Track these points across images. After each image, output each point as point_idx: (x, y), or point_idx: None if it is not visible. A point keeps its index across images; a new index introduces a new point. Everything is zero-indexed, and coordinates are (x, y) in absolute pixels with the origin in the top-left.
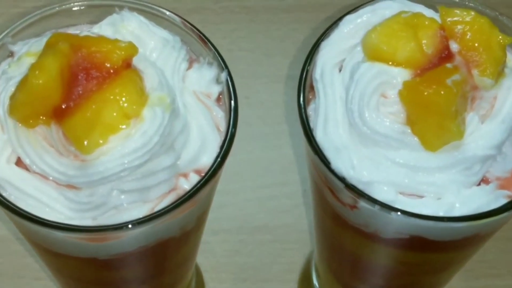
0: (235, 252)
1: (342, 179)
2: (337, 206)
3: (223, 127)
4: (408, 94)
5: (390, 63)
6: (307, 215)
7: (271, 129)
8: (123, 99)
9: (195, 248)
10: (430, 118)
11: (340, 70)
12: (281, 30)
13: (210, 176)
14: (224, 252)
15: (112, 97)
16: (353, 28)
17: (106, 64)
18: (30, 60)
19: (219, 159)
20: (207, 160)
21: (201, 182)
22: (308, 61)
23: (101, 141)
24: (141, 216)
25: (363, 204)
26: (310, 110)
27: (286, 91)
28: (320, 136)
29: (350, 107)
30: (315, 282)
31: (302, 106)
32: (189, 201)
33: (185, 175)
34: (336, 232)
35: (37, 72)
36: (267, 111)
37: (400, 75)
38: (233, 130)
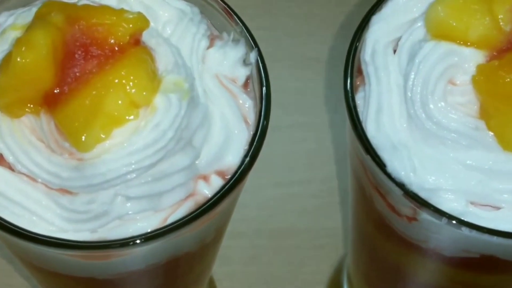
0: (252, 259)
1: (400, 185)
2: (389, 216)
3: (251, 119)
4: (483, 80)
5: (460, 42)
6: (335, 218)
7: (294, 119)
8: (131, 83)
9: (211, 262)
10: (511, 111)
11: (394, 51)
12: (304, 7)
13: (237, 179)
14: (239, 259)
15: (117, 81)
16: None
17: (109, 40)
18: (16, 34)
19: (248, 159)
20: (232, 159)
21: (226, 187)
22: (356, 39)
23: (102, 136)
24: (151, 229)
25: (425, 216)
26: (358, 99)
27: (311, 76)
28: (372, 131)
29: (410, 96)
30: None
31: (350, 93)
32: (210, 211)
33: (205, 178)
34: (380, 243)
35: (23, 49)
36: (290, 99)
37: (472, 57)
38: (265, 122)
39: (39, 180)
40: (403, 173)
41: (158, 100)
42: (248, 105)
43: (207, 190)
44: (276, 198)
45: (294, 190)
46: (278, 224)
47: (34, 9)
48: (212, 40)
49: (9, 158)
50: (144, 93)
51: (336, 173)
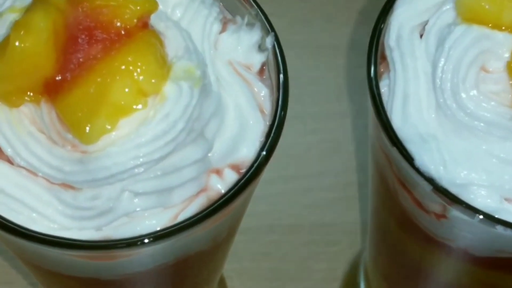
0: (265, 255)
1: (429, 180)
2: (414, 212)
3: (267, 108)
4: None
5: (493, 26)
6: (350, 212)
7: (307, 109)
8: (138, 70)
9: (223, 261)
10: None
11: (421, 36)
12: None
13: (252, 174)
14: (251, 255)
15: (123, 67)
16: None
17: (115, 23)
18: (14, 17)
19: (264, 152)
20: (247, 152)
21: (241, 182)
22: (380, 22)
23: (108, 127)
24: (160, 227)
25: (456, 213)
26: (382, 87)
27: (325, 64)
28: (397, 122)
29: (439, 85)
30: None
31: (374, 80)
32: (224, 208)
33: (218, 172)
34: (402, 240)
35: (22, 33)
36: (303, 89)
37: (506, 42)
38: (282, 113)
39: (40, 174)
40: (432, 167)
41: (168, 88)
42: (263, 93)
43: (220, 185)
44: (288, 192)
45: (307, 184)
46: (291, 219)
47: None
48: (225, 24)
49: (8, 151)
50: (153, 80)
51: (351, 166)
